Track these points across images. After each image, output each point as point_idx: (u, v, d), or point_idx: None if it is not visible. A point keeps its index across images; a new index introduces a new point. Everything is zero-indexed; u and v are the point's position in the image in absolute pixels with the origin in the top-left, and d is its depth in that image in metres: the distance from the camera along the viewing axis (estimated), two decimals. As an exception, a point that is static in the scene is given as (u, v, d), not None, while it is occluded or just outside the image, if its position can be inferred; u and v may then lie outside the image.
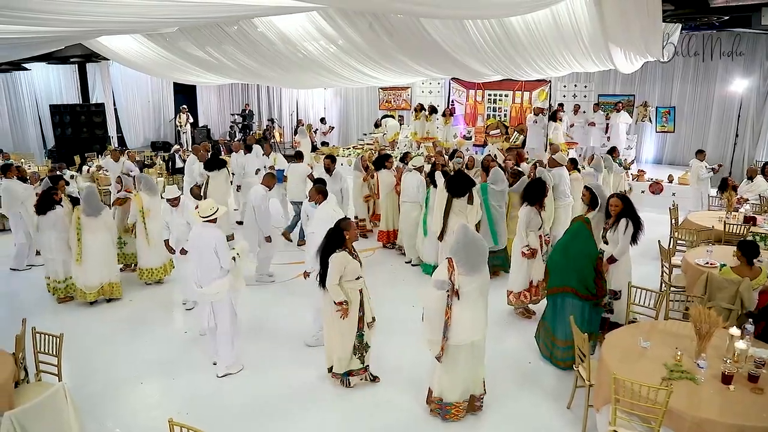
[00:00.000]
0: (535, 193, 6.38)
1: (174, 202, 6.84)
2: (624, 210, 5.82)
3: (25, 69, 15.27)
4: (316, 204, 6.08)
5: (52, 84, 17.72)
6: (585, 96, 15.70)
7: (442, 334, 4.37)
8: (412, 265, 8.45)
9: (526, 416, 4.84)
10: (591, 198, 6.39)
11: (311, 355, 5.81)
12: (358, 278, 4.94)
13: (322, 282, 4.93)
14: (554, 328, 5.48)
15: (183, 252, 6.65)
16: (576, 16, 6.93)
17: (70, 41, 8.18)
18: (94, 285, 7.02)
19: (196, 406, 4.99)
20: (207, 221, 5.28)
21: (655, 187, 11.86)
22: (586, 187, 6.63)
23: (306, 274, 5.80)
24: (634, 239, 5.81)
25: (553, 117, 13.61)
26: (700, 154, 10.44)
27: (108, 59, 13.54)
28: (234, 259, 5.34)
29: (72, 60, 14.35)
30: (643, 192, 11.80)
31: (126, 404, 5.12)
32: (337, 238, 4.88)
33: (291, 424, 4.76)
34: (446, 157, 10.48)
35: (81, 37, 7.55)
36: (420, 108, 15.30)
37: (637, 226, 5.77)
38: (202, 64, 11.00)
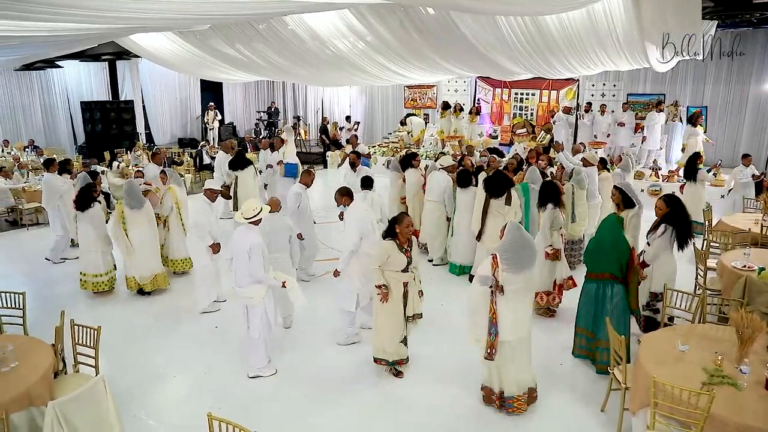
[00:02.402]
0: (551, 195, 6.36)
1: (214, 195, 6.83)
2: (667, 215, 5.58)
3: (59, 66, 15.58)
4: (345, 206, 6.04)
5: (83, 81, 18.09)
6: (614, 95, 15.47)
7: (487, 332, 4.38)
8: (434, 265, 8.41)
9: (558, 418, 4.79)
10: (622, 197, 6.32)
11: (341, 353, 5.84)
12: (404, 271, 5.01)
13: None
14: (596, 325, 5.27)
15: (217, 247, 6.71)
16: (612, 14, 6.83)
17: (105, 39, 8.30)
18: (147, 276, 7.21)
19: (229, 400, 5.04)
20: (251, 222, 5.17)
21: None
22: (615, 186, 6.58)
23: (336, 273, 5.81)
24: (680, 245, 5.55)
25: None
26: (745, 158, 9.67)
27: (138, 56, 13.74)
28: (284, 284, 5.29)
29: (104, 57, 14.59)
30: (673, 193, 11.52)
31: (160, 397, 5.20)
32: (392, 228, 5.02)
33: (322, 420, 4.79)
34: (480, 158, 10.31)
35: (116, 34, 7.65)
36: (447, 106, 15.24)
37: (685, 231, 5.51)
38: (232, 61, 11.08)
